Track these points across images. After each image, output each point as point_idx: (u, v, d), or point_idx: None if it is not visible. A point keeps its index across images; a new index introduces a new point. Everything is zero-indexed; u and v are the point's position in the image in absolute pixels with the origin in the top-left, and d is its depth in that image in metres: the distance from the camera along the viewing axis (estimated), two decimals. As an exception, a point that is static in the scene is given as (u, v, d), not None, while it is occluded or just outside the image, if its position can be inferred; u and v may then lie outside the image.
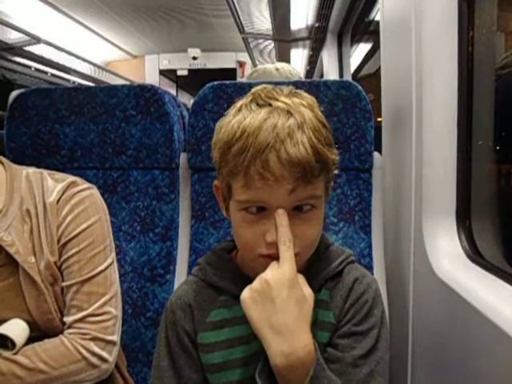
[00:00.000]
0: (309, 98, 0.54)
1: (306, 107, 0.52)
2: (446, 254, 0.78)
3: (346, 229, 0.91)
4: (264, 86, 0.55)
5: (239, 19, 2.91)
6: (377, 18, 2.17)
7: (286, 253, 0.49)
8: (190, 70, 5.17)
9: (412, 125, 0.86)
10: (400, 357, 0.91)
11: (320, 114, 0.53)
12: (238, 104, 0.54)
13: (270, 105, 0.51)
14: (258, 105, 0.52)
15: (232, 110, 0.54)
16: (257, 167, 0.48)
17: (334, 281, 0.59)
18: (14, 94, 1.03)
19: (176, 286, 0.93)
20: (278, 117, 0.49)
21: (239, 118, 0.51)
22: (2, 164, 0.73)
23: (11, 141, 1.00)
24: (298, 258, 0.51)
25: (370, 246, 0.91)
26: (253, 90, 0.55)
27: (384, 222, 0.94)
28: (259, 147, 0.48)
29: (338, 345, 0.55)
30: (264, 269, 0.50)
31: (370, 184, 0.92)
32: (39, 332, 0.67)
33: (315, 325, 0.55)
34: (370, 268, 0.88)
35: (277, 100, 0.51)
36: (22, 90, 1.01)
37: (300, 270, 0.51)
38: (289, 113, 0.50)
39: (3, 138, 1.00)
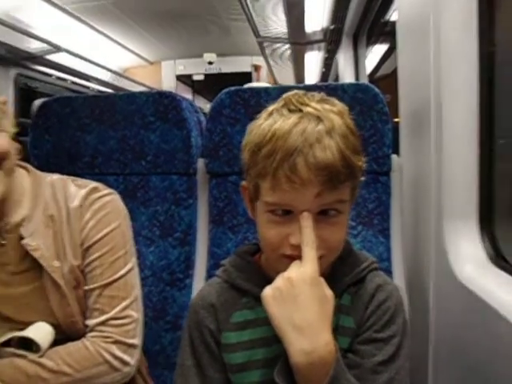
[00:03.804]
0: (339, 105, 0.55)
1: (335, 114, 0.53)
2: (469, 258, 0.76)
3: (365, 232, 0.91)
4: (295, 91, 0.56)
5: (254, 23, 2.92)
6: (393, 19, 2.14)
7: (310, 253, 0.50)
8: (205, 75, 5.22)
9: (431, 126, 0.85)
10: (421, 364, 0.89)
11: (349, 121, 0.54)
12: (270, 108, 0.55)
13: (301, 110, 0.52)
14: (288, 110, 0.53)
15: (263, 114, 0.55)
16: (284, 170, 0.49)
17: (356, 287, 0.59)
18: (38, 103, 1.07)
19: (194, 290, 0.94)
20: (307, 122, 0.50)
21: (270, 121, 0.52)
22: (28, 171, 0.75)
23: (35, 148, 1.03)
24: (322, 261, 0.52)
25: (388, 250, 0.90)
26: (284, 95, 0.56)
27: (403, 225, 0.92)
28: (288, 151, 0.49)
29: (358, 351, 0.55)
30: (287, 269, 0.51)
31: (388, 187, 0.91)
32: (63, 335, 0.68)
33: (336, 330, 0.55)
34: (388, 272, 0.87)
35: (307, 106, 0.53)
36: (45, 99, 1.04)
37: (323, 274, 0.51)
38: (318, 118, 0.51)
39: (27, 145, 1.04)
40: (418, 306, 0.91)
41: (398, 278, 0.87)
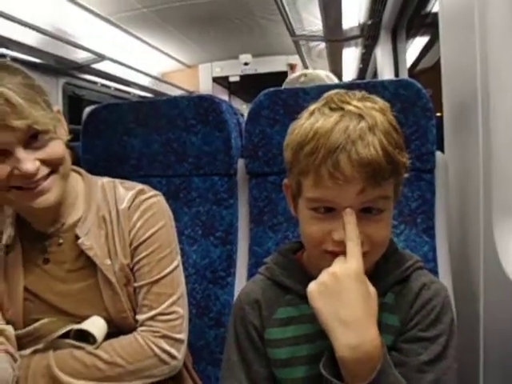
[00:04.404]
0: (381, 103, 0.55)
1: (377, 111, 0.53)
2: (521, 257, 0.73)
3: (408, 231, 0.89)
4: (337, 90, 0.57)
5: (289, 22, 2.91)
6: (435, 10, 2.06)
7: (354, 248, 0.50)
8: (241, 76, 5.26)
9: (478, 120, 0.81)
10: (470, 367, 0.86)
11: (392, 118, 0.54)
12: (311, 108, 0.56)
13: (342, 108, 0.53)
14: (330, 108, 0.53)
15: (305, 114, 0.56)
16: (327, 167, 0.50)
17: (400, 285, 0.58)
18: (88, 110, 1.13)
19: (236, 288, 0.96)
20: (349, 120, 0.51)
21: (312, 120, 0.53)
22: (81, 175, 0.80)
23: (86, 152, 1.09)
24: (367, 257, 0.52)
25: (433, 250, 0.87)
26: (325, 94, 0.57)
27: (449, 224, 0.89)
28: (330, 148, 0.50)
29: (402, 349, 0.55)
30: (330, 265, 0.51)
31: (432, 185, 0.89)
32: (114, 328, 0.72)
33: (379, 327, 0.55)
34: (434, 272, 0.85)
35: (349, 104, 0.53)
36: (94, 107, 1.10)
37: (367, 273, 0.51)
38: (360, 116, 0.51)
39: (76, 150, 1.10)
40: (467, 307, 0.87)
41: (444, 279, 0.84)
